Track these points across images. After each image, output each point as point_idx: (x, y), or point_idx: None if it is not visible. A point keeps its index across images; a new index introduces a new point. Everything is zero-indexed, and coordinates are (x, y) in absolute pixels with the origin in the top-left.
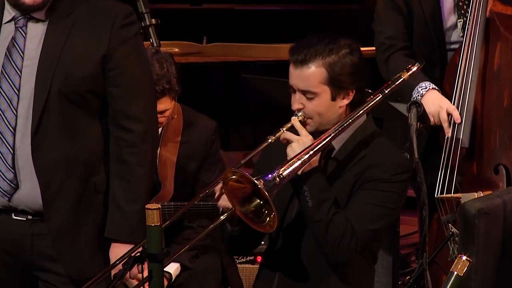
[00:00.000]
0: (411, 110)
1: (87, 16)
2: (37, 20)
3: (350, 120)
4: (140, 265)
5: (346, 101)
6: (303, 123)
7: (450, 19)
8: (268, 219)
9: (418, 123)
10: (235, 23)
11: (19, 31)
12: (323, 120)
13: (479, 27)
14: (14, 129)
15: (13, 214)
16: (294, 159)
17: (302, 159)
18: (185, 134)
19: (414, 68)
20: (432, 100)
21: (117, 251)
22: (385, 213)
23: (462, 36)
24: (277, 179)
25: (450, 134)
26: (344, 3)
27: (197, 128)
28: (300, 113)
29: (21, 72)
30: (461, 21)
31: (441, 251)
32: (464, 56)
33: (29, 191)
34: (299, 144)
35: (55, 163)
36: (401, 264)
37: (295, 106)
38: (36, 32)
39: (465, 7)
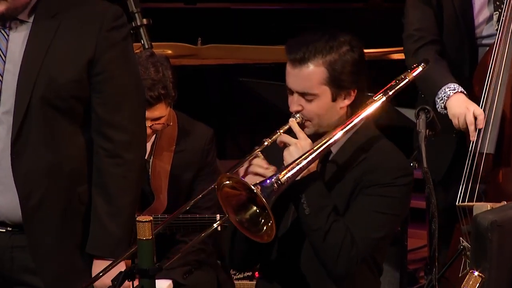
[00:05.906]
0: (420, 116)
1: (74, 17)
2: (22, 21)
3: (353, 124)
4: (131, 282)
5: (347, 102)
6: (302, 125)
7: (483, 12)
8: (265, 227)
9: (427, 130)
10: (231, 23)
11: (1, 32)
12: (323, 122)
13: None
14: None
15: None
16: (292, 164)
17: (301, 165)
18: (180, 142)
19: (420, 69)
20: (458, 103)
21: (100, 268)
22: (387, 220)
23: (497, 30)
24: (275, 185)
25: (475, 138)
26: (347, 2)
27: (192, 136)
28: (298, 115)
29: (2, 77)
30: (497, 14)
31: (451, 266)
32: (496, 57)
33: (10, 203)
34: (297, 148)
35: (37, 173)
36: (409, 280)
37: (293, 108)
38: (20, 33)
39: None
